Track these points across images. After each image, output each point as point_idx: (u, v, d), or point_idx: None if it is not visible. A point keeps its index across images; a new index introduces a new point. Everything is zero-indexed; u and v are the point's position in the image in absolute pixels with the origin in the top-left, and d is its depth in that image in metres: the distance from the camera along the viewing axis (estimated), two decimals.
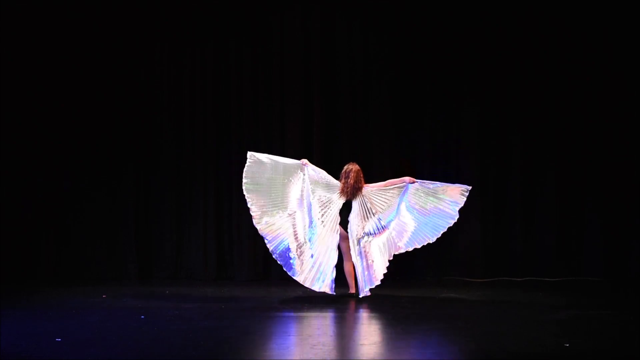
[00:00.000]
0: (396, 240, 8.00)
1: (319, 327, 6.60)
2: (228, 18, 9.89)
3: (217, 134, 9.95)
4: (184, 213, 9.96)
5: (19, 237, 9.68)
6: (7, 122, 9.66)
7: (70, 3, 9.75)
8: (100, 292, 8.43)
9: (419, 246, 8.07)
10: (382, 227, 7.99)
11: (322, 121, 9.80)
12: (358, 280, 7.94)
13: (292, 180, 8.06)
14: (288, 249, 7.92)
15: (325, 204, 8.01)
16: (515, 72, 9.77)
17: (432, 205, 8.03)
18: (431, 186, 8.05)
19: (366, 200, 8.01)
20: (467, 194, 8.06)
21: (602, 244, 9.65)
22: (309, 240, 7.93)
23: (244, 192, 8.04)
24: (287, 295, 8.35)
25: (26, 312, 7.02)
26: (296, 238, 7.94)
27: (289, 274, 7.95)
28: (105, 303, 7.70)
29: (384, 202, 8.04)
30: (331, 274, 7.89)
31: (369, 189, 8.06)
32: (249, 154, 8.13)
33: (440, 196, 8.03)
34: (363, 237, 7.94)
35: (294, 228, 7.96)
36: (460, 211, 8.09)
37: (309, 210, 7.99)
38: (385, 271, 7.93)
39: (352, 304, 7.66)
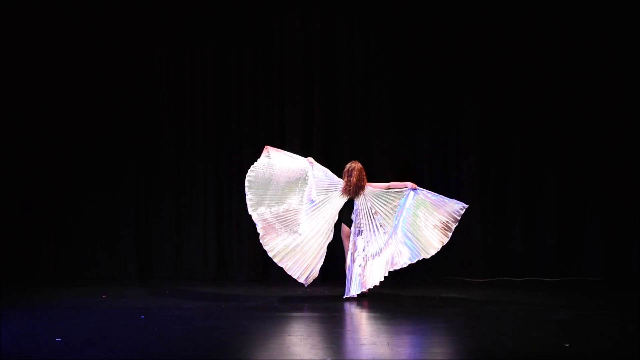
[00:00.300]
0: (396, 260, 7.97)
1: (319, 327, 6.60)
2: (228, 18, 9.88)
3: (217, 134, 9.95)
4: (184, 213, 9.96)
5: (19, 237, 9.67)
6: (7, 122, 9.66)
7: (70, 3, 9.74)
8: (100, 292, 8.43)
9: (414, 261, 8.04)
10: (386, 236, 7.95)
11: (322, 121, 9.81)
12: (348, 281, 7.93)
13: (296, 178, 8.05)
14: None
15: (325, 202, 8.01)
16: (515, 72, 9.78)
17: (427, 230, 7.97)
18: (431, 198, 8.00)
19: (367, 199, 8.01)
20: (462, 212, 8.00)
21: (602, 244, 9.65)
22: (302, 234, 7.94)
23: (246, 183, 8.00)
24: (287, 295, 8.35)
25: (26, 312, 7.02)
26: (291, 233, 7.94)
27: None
28: (105, 303, 7.70)
29: (385, 203, 8.02)
30: (315, 269, 7.90)
31: (371, 188, 8.07)
32: (266, 149, 8.10)
33: (437, 217, 7.95)
34: (369, 250, 7.92)
35: (289, 223, 7.96)
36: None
37: (309, 207, 8.00)
38: (378, 284, 7.93)
39: (352, 304, 7.65)
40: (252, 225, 9.63)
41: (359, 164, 8.06)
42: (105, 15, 9.78)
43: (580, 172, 9.74)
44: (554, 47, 9.71)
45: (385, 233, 7.94)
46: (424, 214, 7.96)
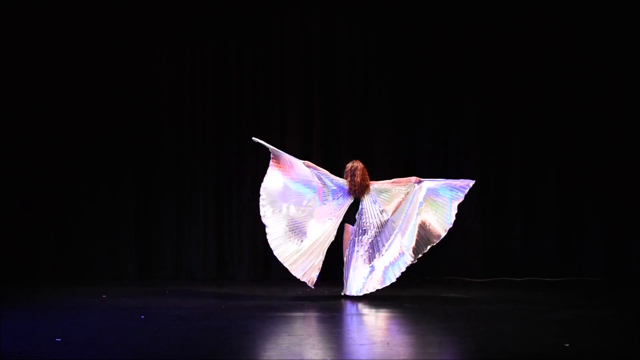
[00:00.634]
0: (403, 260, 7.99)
1: (319, 327, 6.59)
2: (228, 18, 9.89)
3: (217, 134, 9.95)
4: (184, 213, 9.96)
5: (19, 237, 9.67)
6: (7, 122, 9.66)
7: (70, 3, 9.74)
8: (100, 292, 8.43)
9: (420, 255, 8.05)
10: (395, 231, 7.95)
11: (322, 121, 9.81)
12: (346, 278, 7.92)
13: (305, 183, 8.03)
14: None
15: (334, 204, 8.01)
16: (515, 72, 9.78)
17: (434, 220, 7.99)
18: (435, 185, 7.99)
19: (373, 197, 8.00)
20: (468, 189, 7.98)
21: (602, 244, 9.65)
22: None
23: (260, 202, 7.93)
24: (287, 295, 8.35)
25: (26, 312, 7.02)
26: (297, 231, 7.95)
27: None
28: (105, 303, 7.70)
29: (391, 199, 8.00)
30: (317, 268, 7.90)
31: (376, 186, 8.06)
32: (272, 160, 7.99)
33: (443, 208, 7.96)
34: (378, 247, 7.92)
35: (299, 227, 7.95)
36: (460, 211, 8.07)
37: (319, 210, 8.00)
38: (374, 291, 7.95)
39: (352, 304, 7.65)
40: (252, 225, 9.71)
41: (361, 163, 8.03)
42: (105, 15, 9.78)
43: (580, 172, 9.74)
44: (554, 47, 9.71)
45: (394, 229, 7.93)
46: (432, 208, 7.95)
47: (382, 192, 8.04)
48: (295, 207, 7.95)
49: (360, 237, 7.94)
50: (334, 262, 8.87)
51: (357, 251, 7.91)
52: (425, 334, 6.12)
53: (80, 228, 9.86)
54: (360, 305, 7.59)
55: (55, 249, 9.81)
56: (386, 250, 7.94)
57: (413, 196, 7.99)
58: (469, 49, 9.79)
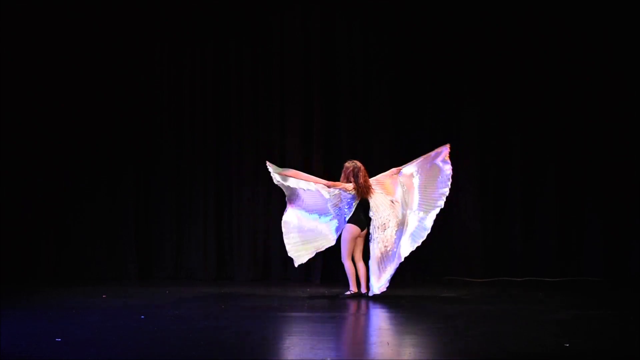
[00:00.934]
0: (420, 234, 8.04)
1: (319, 327, 6.59)
2: (228, 18, 9.89)
3: (217, 134, 9.95)
4: (184, 213, 9.96)
5: (19, 237, 9.68)
6: (7, 122, 9.66)
7: (70, 3, 9.75)
8: (100, 292, 8.43)
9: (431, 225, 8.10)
10: (412, 210, 8.03)
11: (322, 121, 9.80)
12: (377, 275, 7.91)
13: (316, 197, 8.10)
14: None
15: (343, 208, 8.05)
16: (515, 72, 9.77)
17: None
18: (415, 164, 8.11)
19: (379, 191, 8.03)
20: (446, 153, 8.10)
21: (602, 244, 9.65)
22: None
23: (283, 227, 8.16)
24: (287, 295, 8.35)
25: (26, 312, 7.02)
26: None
27: None
28: (105, 303, 7.70)
29: (389, 188, 8.10)
30: (307, 255, 8.05)
31: (373, 182, 8.11)
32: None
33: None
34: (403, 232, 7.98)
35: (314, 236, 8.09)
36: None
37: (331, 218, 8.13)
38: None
39: (352, 304, 7.66)
40: (252, 225, 9.73)
41: (359, 163, 8.05)
42: (105, 15, 9.79)
43: (580, 172, 9.74)
44: (554, 47, 9.71)
45: (410, 208, 8.01)
46: (426, 177, 8.10)
47: (380, 185, 8.07)
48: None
49: (381, 234, 7.90)
50: (334, 262, 8.88)
51: (383, 249, 7.88)
52: (425, 334, 6.12)
53: (80, 228, 9.86)
54: (360, 305, 7.58)
55: (55, 249, 9.82)
56: (407, 228, 7.98)
57: (403, 181, 8.09)
58: (469, 49, 9.79)
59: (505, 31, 9.75)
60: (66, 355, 5.19)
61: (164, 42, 9.99)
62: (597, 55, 9.66)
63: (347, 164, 8.06)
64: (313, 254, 8.16)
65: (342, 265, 8.15)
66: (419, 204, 8.06)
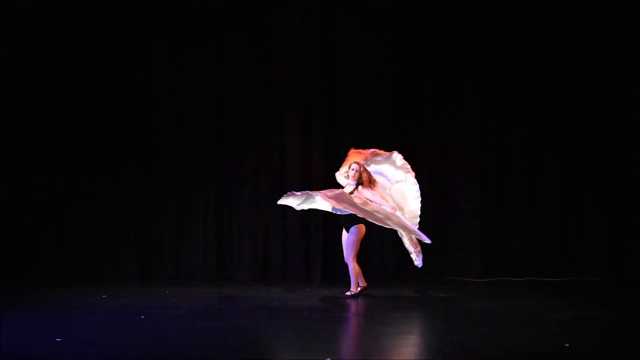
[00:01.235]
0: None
1: (319, 327, 6.59)
2: (228, 18, 9.88)
3: (217, 134, 9.95)
4: (184, 213, 9.95)
5: (19, 237, 9.67)
6: (7, 122, 9.66)
7: (70, 3, 9.74)
8: (100, 292, 8.43)
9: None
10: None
11: (322, 121, 9.80)
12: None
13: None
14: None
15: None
16: (515, 72, 9.77)
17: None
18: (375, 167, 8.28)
19: (379, 179, 8.22)
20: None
21: (602, 244, 9.65)
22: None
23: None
24: (287, 296, 8.35)
25: (26, 312, 7.02)
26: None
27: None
28: (105, 303, 7.70)
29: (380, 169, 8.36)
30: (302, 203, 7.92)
31: (370, 171, 8.26)
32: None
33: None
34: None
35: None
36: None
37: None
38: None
39: (352, 304, 7.66)
40: (252, 225, 9.73)
41: (358, 164, 8.08)
42: (105, 15, 9.78)
43: (580, 172, 9.74)
44: (554, 47, 9.71)
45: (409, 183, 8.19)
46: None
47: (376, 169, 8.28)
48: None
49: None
50: (334, 262, 8.88)
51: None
52: (425, 334, 6.13)
53: (80, 228, 9.85)
54: (360, 305, 7.59)
55: (55, 249, 9.81)
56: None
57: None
58: (469, 49, 9.78)
59: (505, 31, 9.74)
60: (66, 355, 5.19)
61: (164, 42, 9.98)
62: (597, 55, 9.66)
63: (352, 166, 8.07)
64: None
65: (342, 265, 8.15)
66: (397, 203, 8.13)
